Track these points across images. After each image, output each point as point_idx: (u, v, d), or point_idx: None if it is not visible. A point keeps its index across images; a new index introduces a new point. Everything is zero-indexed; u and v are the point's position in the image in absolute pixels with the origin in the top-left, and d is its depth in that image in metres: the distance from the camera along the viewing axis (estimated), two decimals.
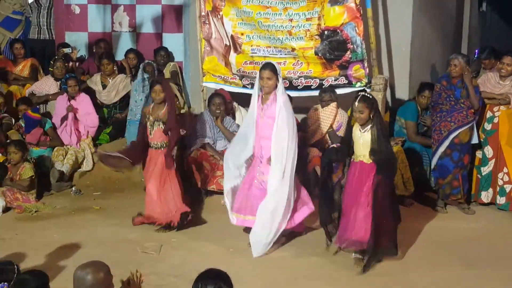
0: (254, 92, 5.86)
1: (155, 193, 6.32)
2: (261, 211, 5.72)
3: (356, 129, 5.48)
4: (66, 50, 8.94)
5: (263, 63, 6.09)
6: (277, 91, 5.69)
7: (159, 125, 6.29)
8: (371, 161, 5.41)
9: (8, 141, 7.50)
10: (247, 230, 5.96)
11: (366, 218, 5.37)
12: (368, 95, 5.48)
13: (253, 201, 5.83)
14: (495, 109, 7.01)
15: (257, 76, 5.81)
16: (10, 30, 9.59)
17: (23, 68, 8.96)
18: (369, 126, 5.39)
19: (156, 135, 6.32)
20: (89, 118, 8.01)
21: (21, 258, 5.31)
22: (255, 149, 5.85)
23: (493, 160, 6.99)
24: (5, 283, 3.59)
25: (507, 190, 6.92)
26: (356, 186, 5.47)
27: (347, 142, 5.59)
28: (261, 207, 5.71)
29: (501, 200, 6.96)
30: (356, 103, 5.36)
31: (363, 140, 5.42)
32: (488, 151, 7.02)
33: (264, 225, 5.70)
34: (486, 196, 7.06)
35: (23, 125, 7.81)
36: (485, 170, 7.04)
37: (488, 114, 7.04)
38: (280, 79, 5.74)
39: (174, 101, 6.77)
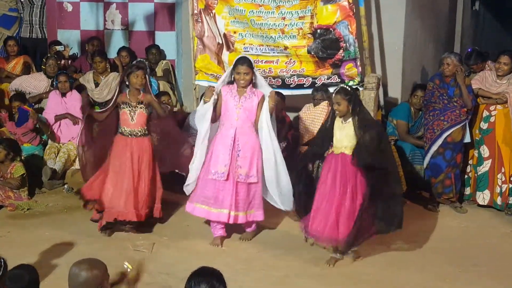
0: (222, 81, 5.91)
1: (130, 187, 6.10)
2: (268, 175, 5.83)
3: (338, 120, 5.49)
4: (59, 48, 8.92)
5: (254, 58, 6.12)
6: (259, 86, 5.83)
7: (141, 108, 6.17)
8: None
9: None
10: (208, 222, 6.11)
11: (349, 216, 5.36)
12: (347, 88, 5.50)
13: (227, 195, 5.85)
14: (492, 108, 7.03)
15: (230, 69, 5.88)
16: (8, 28, 9.56)
17: (15, 65, 8.91)
18: (350, 118, 5.41)
19: (139, 121, 6.16)
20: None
21: (14, 255, 5.26)
22: (224, 139, 5.83)
23: (489, 160, 6.99)
24: None
25: (503, 190, 6.94)
26: (340, 179, 5.43)
27: (325, 134, 5.58)
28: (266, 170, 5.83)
29: (499, 201, 6.97)
30: (333, 95, 5.44)
31: (345, 132, 5.43)
32: (484, 150, 7.03)
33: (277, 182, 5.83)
34: (481, 197, 7.06)
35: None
36: (480, 169, 7.06)
37: (485, 113, 7.06)
38: (257, 73, 5.87)
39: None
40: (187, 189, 6.08)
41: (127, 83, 6.18)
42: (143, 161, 6.18)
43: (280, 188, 5.86)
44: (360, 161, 5.33)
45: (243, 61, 5.80)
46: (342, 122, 5.47)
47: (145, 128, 6.21)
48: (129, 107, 6.17)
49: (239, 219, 5.92)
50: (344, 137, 5.44)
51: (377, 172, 5.34)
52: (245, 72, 5.75)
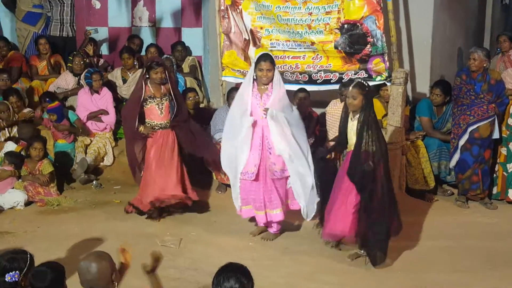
0: (248, 82, 5.84)
1: (167, 172, 6.35)
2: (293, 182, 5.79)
3: (349, 118, 5.43)
4: (92, 31, 8.98)
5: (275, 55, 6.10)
6: (276, 83, 5.74)
7: (166, 100, 6.32)
8: None
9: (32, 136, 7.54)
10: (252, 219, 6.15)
11: (353, 211, 5.30)
12: (364, 83, 5.42)
13: (271, 194, 5.85)
14: None
15: (253, 66, 5.82)
16: (33, 24, 9.62)
17: (46, 66, 8.96)
18: (357, 116, 5.31)
19: (166, 113, 6.34)
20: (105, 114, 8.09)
21: (43, 250, 5.36)
22: (254, 139, 5.80)
23: None
24: (17, 271, 3.60)
25: None
26: (345, 177, 5.39)
27: (344, 133, 5.50)
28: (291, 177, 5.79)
29: None
30: (350, 88, 5.32)
31: (353, 129, 5.34)
32: None
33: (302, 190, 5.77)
34: None
35: (51, 119, 7.81)
36: (511, 167, 6.95)
37: None
38: (277, 70, 5.79)
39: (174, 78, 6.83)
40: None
41: (147, 76, 6.31)
42: (172, 150, 6.35)
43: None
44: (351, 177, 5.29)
45: (266, 57, 5.76)
46: (351, 119, 5.39)
47: (170, 119, 6.38)
48: (156, 100, 6.25)
49: (276, 217, 5.92)
50: (353, 135, 5.36)
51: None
52: (268, 69, 5.71)
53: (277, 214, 5.89)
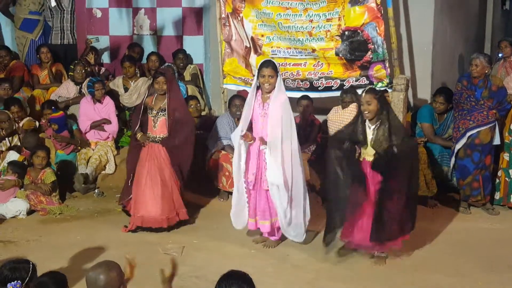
0: (252, 91, 5.77)
1: (156, 191, 6.27)
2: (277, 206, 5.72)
3: (366, 126, 5.37)
4: (94, 40, 8.99)
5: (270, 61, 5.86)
6: (277, 89, 5.63)
7: (163, 115, 6.27)
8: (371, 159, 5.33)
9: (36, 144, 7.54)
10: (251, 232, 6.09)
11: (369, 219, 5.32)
12: (375, 87, 5.41)
13: (264, 205, 5.83)
14: None
15: (256, 73, 5.75)
16: (30, 32, 9.63)
17: (48, 74, 8.98)
18: (377, 123, 5.29)
19: (160, 127, 6.29)
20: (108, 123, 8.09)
21: (45, 259, 5.35)
22: (253, 148, 5.75)
23: None
24: (19, 281, 3.59)
25: None
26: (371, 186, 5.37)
27: (350, 134, 5.41)
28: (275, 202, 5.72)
29: None
30: (364, 94, 5.29)
31: (372, 138, 5.31)
32: None
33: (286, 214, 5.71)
34: None
35: (52, 128, 7.81)
36: None
37: None
38: (280, 77, 5.70)
39: (180, 91, 6.77)
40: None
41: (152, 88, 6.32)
42: (164, 165, 6.30)
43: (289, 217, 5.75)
44: (379, 167, 5.27)
45: (268, 63, 5.67)
46: (369, 127, 5.35)
47: (166, 134, 6.31)
48: (153, 113, 6.27)
49: (264, 228, 5.91)
50: (370, 143, 5.33)
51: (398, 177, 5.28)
52: (269, 75, 5.59)
53: (264, 226, 5.89)
